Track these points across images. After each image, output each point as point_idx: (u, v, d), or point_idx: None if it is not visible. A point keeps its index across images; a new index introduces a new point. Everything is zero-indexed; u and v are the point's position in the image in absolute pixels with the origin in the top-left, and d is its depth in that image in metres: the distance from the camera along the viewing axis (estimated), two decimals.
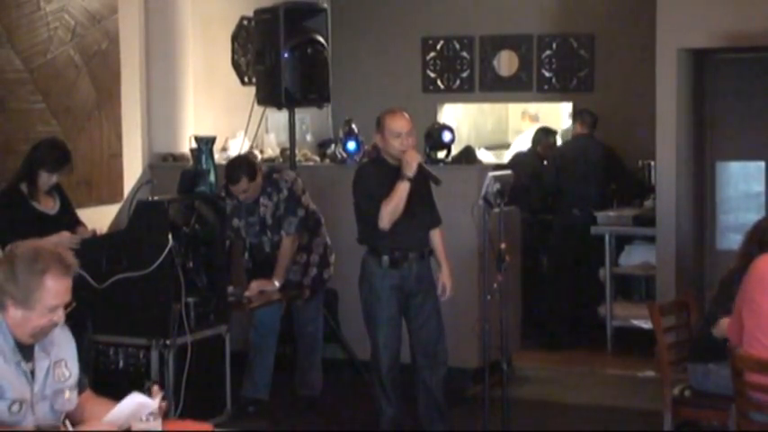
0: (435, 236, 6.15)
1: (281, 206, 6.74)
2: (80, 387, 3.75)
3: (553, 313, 8.77)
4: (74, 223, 6.44)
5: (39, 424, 3.57)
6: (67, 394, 3.67)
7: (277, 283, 6.68)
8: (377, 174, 5.97)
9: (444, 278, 6.11)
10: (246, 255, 6.91)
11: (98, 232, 6.49)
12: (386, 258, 5.98)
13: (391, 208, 5.83)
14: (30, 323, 3.52)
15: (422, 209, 6.04)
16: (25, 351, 3.57)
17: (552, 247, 9.00)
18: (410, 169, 5.82)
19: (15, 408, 3.50)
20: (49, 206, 6.32)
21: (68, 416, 3.71)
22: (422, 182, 6.03)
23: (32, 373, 3.58)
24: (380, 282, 6.00)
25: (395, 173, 5.92)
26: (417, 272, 6.04)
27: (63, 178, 6.38)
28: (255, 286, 6.64)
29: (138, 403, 3.53)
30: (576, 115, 9.15)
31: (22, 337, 3.54)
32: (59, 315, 3.56)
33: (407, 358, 6.19)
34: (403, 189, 5.82)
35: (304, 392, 7.03)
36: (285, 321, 7.01)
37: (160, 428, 3.53)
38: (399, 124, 5.93)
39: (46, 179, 6.24)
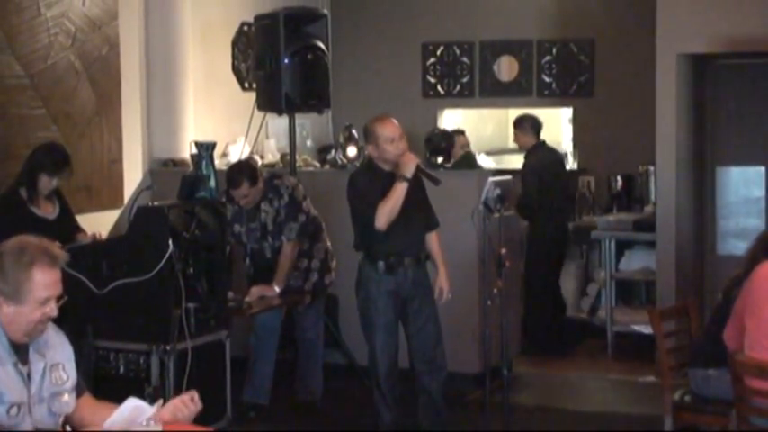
0: (432, 239, 6.15)
1: (282, 212, 6.74)
2: (78, 390, 3.75)
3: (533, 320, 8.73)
4: (73, 229, 6.44)
5: (37, 427, 3.57)
6: (65, 397, 3.68)
7: (277, 289, 6.68)
8: (371, 179, 5.98)
9: (441, 281, 6.10)
10: (247, 260, 6.91)
11: (98, 237, 6.49)
12: (381, 264, 5.99)
13: (388, 208, 5.83)
14: (23, 318, 3.53)
15: (417, 213, 6.04)
16: (20, 353, 3.58)
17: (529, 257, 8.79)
18: (408, 170, 5.83)
19: (14, 411, 3.51)
20: (49, 211, 6.32)
21: (69, 420, 3.71)
22: (416, 186, 6.04)
23: (29, 375, 3.59)
24: (376, 287, 6.00)
25: (388, 179, 5.92)
26: (413, 276, 6.04)
27: (63, 182, 6.38)
28: (255, 291, 6.64)
29: (134, 407, 3.55)
30: (517, 123, 8.75)
31: (15, 335, 3.55)
32: (51, 308, 3.57)
33: (406, 363, 6.19)
34: (401, 190, 5.82)
35: (304, 398, 7.03)
36: (286, 326, 7.01)
37: None
38: (391, 129, 5.95)
39: (46, 183, 6.24)
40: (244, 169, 6.68)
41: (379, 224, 5.86)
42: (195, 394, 3.72)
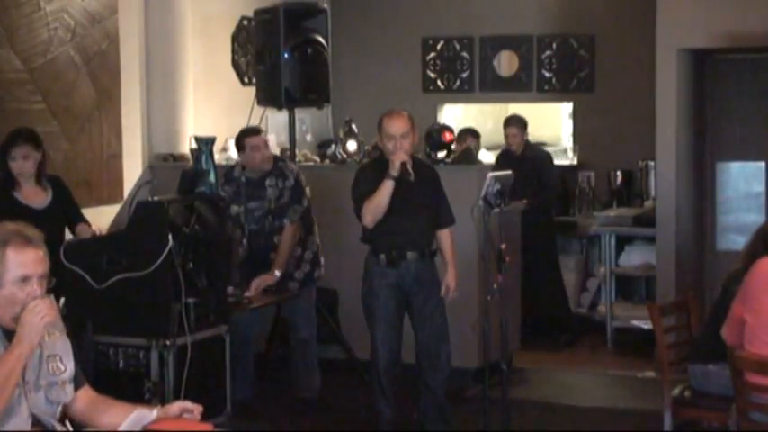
0: (444, 236, 6.16)
1: (286, 194, 6.74)
2: (77, 382, 3.76)
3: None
4: (74, 220, 6.38)
5: (34, 413, 3.59)
6: (63, 386, 3.70)
7: (278, 273, 6.65)
8: (374, 174, 5.99)
9: (449, 279, 6.11)
10: (245, 242, 6.83)
11: (98, 233, 6.48)
12: (383, 257, 6.01)
13: (372, 206, 5.87)
14: (6, 302, 3.54)
15: (425, 209, 6.05)
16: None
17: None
18: (394, 168, 5.85)
19: None
20: (37, 200, 6.24)
21: (67, 411, 3.73)
22: (427, 181, 6.06)
23: None
24: (378, 280, 6.02)
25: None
26: (416, 271, 6.05)
27: (34, 159, 6.18)
28: (256, 285, 6.59)
29: (136, 415, 3.59)
30: (517, 122, 8.84)
31: (4, 320, 3.57)
32: (33, 288, 3.56)
33: (410, 359, 6.19)
34: (386, 187, 5.85)
35: (302, 394, 7.01)
36: (279, 324, 7.01)
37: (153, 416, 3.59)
38: (394, 127, 5.96)
39: (20, 164, 6.14)
40: (256, 126, 6.76)
41: (365, 221, 5.93)
42: (195, 408, 3.72)
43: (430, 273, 6.12)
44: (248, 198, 6.76)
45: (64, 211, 6.40)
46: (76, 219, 6.47)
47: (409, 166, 5.89)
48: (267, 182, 6.74)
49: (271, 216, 6.76)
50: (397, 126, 5.96)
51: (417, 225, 6.04)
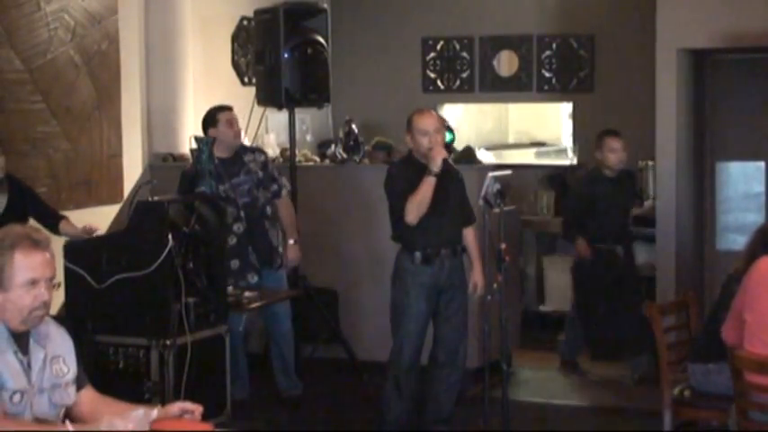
0: (468, 234, 6.20)
1: (270, 167, 6.88)
2: (79, 383, 3.77)
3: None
4: (45, 222, 6.27)
5: (37, 417, 3.58)
6: (66, 389, 3.70)
7: (293, 241, 6.86)
8: (407, 172, 6.02)
9: (476, 276, 6.15)
10: (242, 214, 6.79)
11: (98, 232, 6.47)
12: (418, 255, 6.03)
13: (416, 202, 5.88)
14: (14, 305, 3.53)
15: (454, 206, 6.09)
16: (21, 342, 3.59)
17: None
18: (435, 165, 5.87)
19: (17, 398, 3.53)
20: None
21: (69, 413, 3.73)
22: (454, 180, 6.10)
23: (28, 365, 3.60)
24: (412, 278, 6.04)
25: (425, 171, 5.96)
26: (449, 268, 6.08)
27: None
28: (295, 260, 6.83)
29: (136, 415, 3.60)
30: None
31: (12, 323, 3.56)
32: (41, 291, 3.55)
33: (422, 360, 6.19)
34: (428, 184, 5.87)
35: (290, 393, 6.97)
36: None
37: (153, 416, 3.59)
38: (427, 122, 6.01)
39: None
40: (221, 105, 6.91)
41: (409, 218, 5.92)
42: (195, 408, 3.72)
43: (459, 270, 6.16)
44: (230, 175, 6.74)
45: (21, 216, 6.20)
46: (49, 218, 6.35)
47: (449, 160, 5.98)
48: (245, 157, 6.79)
49: (261, 187, 6.79)
50: (429, 122, 6.02)
51: (449, 222, 6.08)
